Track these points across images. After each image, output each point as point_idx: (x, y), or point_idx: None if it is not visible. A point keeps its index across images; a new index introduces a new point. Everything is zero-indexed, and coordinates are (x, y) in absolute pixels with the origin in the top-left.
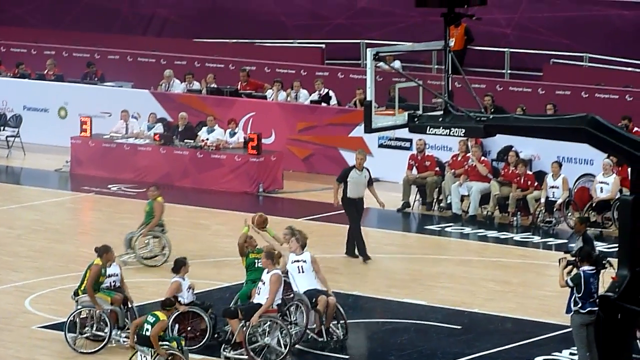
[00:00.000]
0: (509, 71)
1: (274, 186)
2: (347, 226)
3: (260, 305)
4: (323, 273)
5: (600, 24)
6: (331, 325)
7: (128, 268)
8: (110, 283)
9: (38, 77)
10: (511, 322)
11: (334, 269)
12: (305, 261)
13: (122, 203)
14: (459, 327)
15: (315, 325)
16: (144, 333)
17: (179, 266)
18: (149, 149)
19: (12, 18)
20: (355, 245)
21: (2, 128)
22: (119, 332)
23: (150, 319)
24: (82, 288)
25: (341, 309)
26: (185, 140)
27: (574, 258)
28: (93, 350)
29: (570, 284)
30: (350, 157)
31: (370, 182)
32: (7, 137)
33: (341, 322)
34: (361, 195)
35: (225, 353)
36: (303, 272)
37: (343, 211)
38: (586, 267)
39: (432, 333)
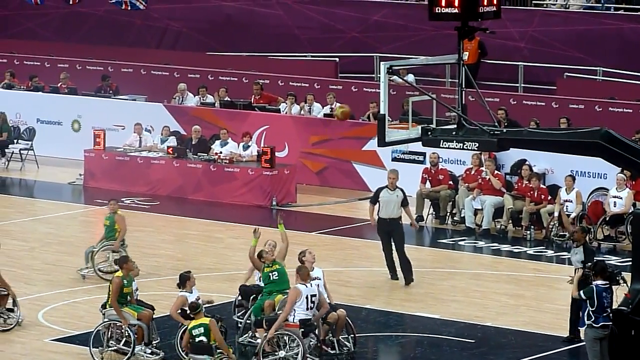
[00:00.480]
0: (522, 85)
1: (287, 200)
2: (359, 240)
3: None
4: (329, 286)
5: (614, 37)
6: (341, 337)
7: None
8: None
9: (52, 90)
10: (524, 335)
11: (347, 282)
12: (320, 278)
13: (135, 216)
14: (472, 340)
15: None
16: (198, 341)
17: (184, 280)
18: (162, 162)
19: (24, 31)
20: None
21: (15, 141)
22: (143, 348)
23: (199, 329)
24: (108, 302)
25: (350, 322)
26: (199, 154)
27: (589, 270)
28: None
29: (583, 296)
30: (363, 171)
31: (405, 203)
32: (20, 150)
33: (351, 335)
34: (393, 215)
35: None
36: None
37: (354, 225)
38: (599, 282)
39: (445, 347)
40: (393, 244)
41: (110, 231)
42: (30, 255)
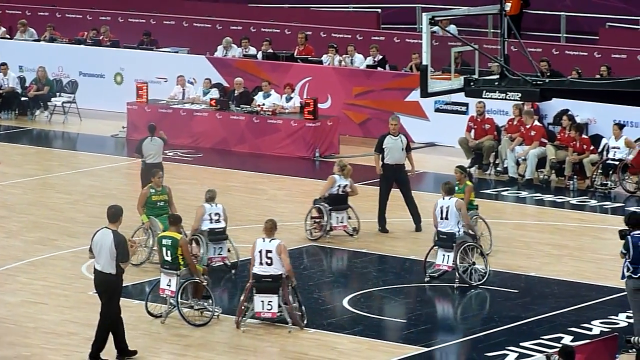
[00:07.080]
0: (565, 35)
1: (330, 151)
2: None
3: None
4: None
5: None
6: None
7: None
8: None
9: (93, 43)
10: (567, 285)
11: (391, 234)
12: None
13: (178, 169)
14: (516, 290)
15: None
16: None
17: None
18: (205, 115)
19: None
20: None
21: (58, 94)
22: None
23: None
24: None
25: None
26: (242, 106)
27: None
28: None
29: (624, 251)
30: (406, 122)
31: (408, 149)
32: (63, 103)
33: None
34: (399, 161)
35: None
36: None
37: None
38: (636, 232)
39: (489, 297)
40: (400, 190)
41: None
42: (74, 208)
